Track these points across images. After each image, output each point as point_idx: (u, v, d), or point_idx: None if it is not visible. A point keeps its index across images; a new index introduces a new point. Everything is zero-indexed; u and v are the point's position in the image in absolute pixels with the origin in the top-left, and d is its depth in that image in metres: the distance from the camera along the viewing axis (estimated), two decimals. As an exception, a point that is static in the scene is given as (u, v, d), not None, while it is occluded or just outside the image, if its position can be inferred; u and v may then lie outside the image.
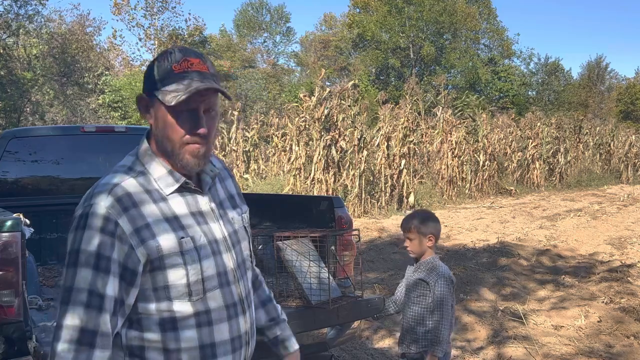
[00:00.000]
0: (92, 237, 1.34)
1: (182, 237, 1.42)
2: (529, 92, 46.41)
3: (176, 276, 1.41)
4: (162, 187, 1.45)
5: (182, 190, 1.48)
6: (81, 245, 1.35)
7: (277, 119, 20.16)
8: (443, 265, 3.05)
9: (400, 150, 15.67)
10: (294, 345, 1.79)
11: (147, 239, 1.38)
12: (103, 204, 1.37)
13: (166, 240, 1.40)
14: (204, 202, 1.51)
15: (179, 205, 1.46)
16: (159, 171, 1.46)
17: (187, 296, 1.42)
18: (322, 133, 14.40)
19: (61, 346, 1.31)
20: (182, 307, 1.42)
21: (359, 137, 14.69)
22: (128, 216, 1.37)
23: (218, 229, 1.51)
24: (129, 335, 1.43)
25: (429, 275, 2.97)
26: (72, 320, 1.32)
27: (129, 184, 1.42)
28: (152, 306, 1.41)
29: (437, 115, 19.07)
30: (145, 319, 1.42)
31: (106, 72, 26.18)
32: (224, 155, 19.05)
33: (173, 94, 1.38)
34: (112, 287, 1.35)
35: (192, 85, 1.38)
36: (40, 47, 22.96)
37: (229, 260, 1.51)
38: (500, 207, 15.77)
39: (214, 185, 1.58)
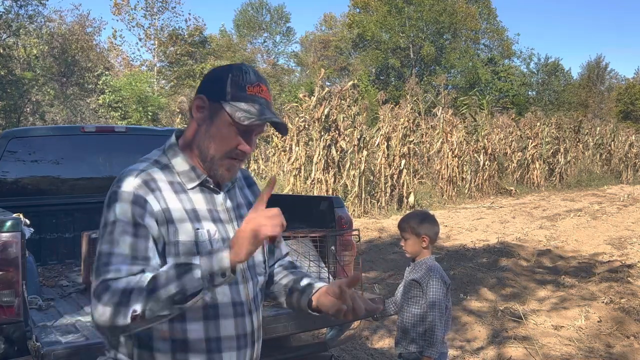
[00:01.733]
0: (123, 207, 1.41)
1: (198, 229, 1.49)
2: (529, 92, 46.43)
3: None
4: (184, 182, 1.53)
5: (201, 187, 1.55)
6: (117, 216, 1.41)
7: (277, 119, 20.14)
8: (437, 266, 3.03)
9: (400, 150, 15.66)
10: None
11: (168, 221, 1.45)
12: (131, 184, 1.45)
13: (183, 228, 1.47)
14: (219, 202, 1.58)
15: (197, 199, 1.53)
16: (182, 166, 1.54)
17: None
18: (322, 133, 14.40)
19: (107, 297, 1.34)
20: None
21: (358, 137, 14.69)
22: (155, 196, 1.45)
23: (231, 229, 1.57)
24: None
25: (422, 277, 2.98)
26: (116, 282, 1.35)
27: (154, 172, 1.50)
28: None
29: (437, 115, 19.07)
30: None
31: (106, 72, 26.13)
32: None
33: (246, 114, 1.47)
34: (153, 252, 1.42)
35: (265, 114, 1.49)
36: (41, 47, 22.93)
37: None
38: (500, 207, 15.77)
39: (232, 189, 1.65)
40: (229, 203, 1.60)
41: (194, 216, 1.49)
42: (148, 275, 1.35)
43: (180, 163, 1.54)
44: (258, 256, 1.64)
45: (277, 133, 18.96)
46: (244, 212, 1.64)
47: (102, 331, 1.39)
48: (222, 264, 1.32)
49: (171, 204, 1.47)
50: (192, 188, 1.53)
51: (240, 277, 1.55)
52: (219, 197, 1.58)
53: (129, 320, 1.31)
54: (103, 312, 1.33)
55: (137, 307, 1.31)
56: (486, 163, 19.04)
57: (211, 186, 1.56)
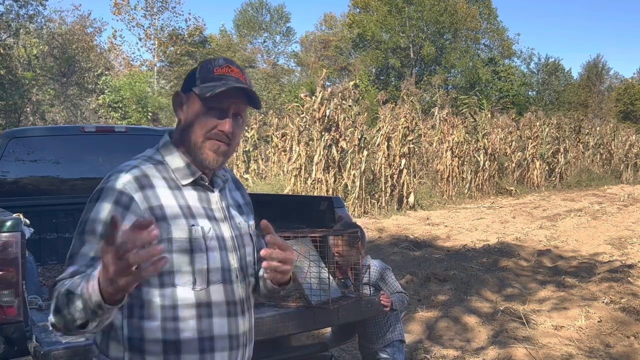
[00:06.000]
0: (104, 207, 1.40)
1: (193, 225, 1.47)
2: (529, 92, 46.42)
3: (182, 261, 1.44)
4: (179, 178, 1.52)
5: (196, 184, 1.54)
6: (91, 215, 1.41)
7: (277, 119, 20.17)
8: (373, 260, 3.46)
9: (400, 150, 15.66)
10: None
11: (159, 218, 1.43)
12: (120, 180, 1.44)
13: (177, 224, 1.45)
14: (214, 200, 1.57)
15: (192, 196, 1.52)
16: (177, 163, 1.54)
17: (191, 284, 1.45)
18: (323, 133, 14.39)
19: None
20: (185, 294, 1.44)
21: (359, 137, 14.69)
22: (144, 194, 1.44)
23: (226, 228, 1.56)
24: (130, 325, 1.44)
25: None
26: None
27: (148, 168, 1.50)
28: (156, 292, 1.43)
29: (435, 115, 19.08)
30: (147, 306, 1.43)
31: (106, 72, 26.15)
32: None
33: (210, 88, 1.48)
34: None
35: (228, 83, 1.48)
36: (41, 47, 22.93)
37: (233, 260, 1.56)
38: (500, 207, 15.77)
39: (224, 189, 1.64)
40: (222, 202, 1.59)
41: (189, 212, 1.48)
42: (64, 285, 1.29)
43: (175, 160, 1.53)
44: (249, 257, 1.63)
45: (277, 133, 18.96)
46: (235, 211, 1.64)
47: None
48: (94, 299, 1.19)
49: (165, 200, 1.46)
50: (187, 185, 1.52)
51: (234, 276, 1.55)
52: (214, 196, 1.57)
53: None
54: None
55: (53, 319, 1.31)
56: (486, 163, 19.03)
57: (206, 184, 1.55)
